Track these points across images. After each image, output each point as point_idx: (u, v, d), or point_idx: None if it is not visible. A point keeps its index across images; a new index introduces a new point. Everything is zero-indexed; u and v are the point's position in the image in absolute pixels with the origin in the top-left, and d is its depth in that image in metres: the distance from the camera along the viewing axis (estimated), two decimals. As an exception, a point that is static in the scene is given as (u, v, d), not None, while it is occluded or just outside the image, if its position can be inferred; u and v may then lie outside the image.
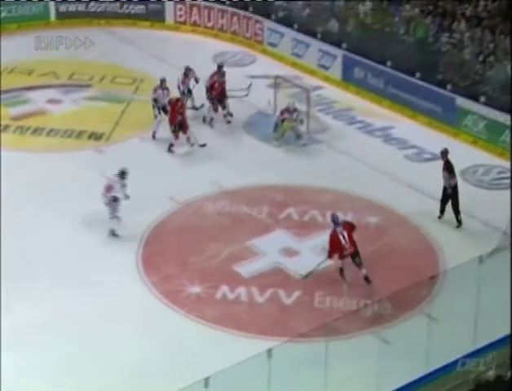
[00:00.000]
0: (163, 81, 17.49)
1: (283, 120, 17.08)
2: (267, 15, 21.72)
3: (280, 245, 13.93)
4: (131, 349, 11.50)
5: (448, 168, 14.51)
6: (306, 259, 13.56)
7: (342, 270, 12.92)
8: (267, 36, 21.75)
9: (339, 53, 19.94)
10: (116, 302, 12.45)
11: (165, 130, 17.54)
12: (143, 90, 19.61)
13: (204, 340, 11.81)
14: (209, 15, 23.00)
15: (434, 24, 18.67)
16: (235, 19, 22.49)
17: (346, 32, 20.25)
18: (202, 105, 18.37)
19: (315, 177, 16.02)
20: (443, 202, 14.59)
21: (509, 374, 9.87)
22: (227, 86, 18.03)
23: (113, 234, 14.04)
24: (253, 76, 19.52)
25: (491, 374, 10.08)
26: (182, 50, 21.78)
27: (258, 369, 9.43)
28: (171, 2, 23.30)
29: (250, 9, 22.07)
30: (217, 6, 22.78)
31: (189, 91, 18.31)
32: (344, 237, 12.80)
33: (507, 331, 10.91)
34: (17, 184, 15.43)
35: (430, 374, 10.61)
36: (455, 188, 14.49)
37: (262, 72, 19.58)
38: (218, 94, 17.84)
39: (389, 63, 18.85)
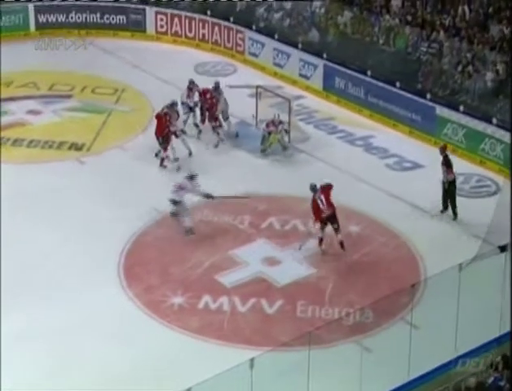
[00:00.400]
0: (174, 104, 16.89)
1: (269, 133, 17.15)
2: (248, 26, 21.80)
3: (262, 254, 13.95)
4: (114, 360, 11.45)
5: (446, 163, 14.86)
6: (288, 268, 13.61)
7: (321, 240, 13.75)
8: (248, 46, 21.83)
9: (320, 63, 20.05)
10: (98, 313, 12.39)
11: (148, 140, 17.58)
12: (124, 101, 19.60)
13: (186, 350, 11.79)
14: (190, 26, 23.04)
15: (414, 34, 18.84)
16: (216, 29, 22.54)
17: (327, 42, 20.37)
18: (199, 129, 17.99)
19: (297, 186, 16.04)
20: (443, 197, 14.94)
21: (489, 380, 9.94)
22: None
23: (191, 232, 14.25)
24: (234, 87, 19.58)
25: (472, 381, 10.13)
26: (163, 61, 21.81)
27: (240, 379, 9.43)
28: (152, 13, 23.32)
29: (231, 19, 22.15)
30: (198, 16, 22.83)
31: (191, 108, 17.92)
32: (322, 201, 13.60)
33: (488, 338, 11.01)
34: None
35: (412, 381, 10.66)
36: (452, 183, 14.82)
37: (243, 82, 19.64)
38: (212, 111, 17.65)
39: (369, 72, 18.98)
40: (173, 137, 16.69)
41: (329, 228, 14.65)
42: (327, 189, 13.76)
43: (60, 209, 15.10)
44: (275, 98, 18.56)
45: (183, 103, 17.86)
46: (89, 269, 13.41)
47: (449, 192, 14.94)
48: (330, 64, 19.83)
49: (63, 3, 23.44)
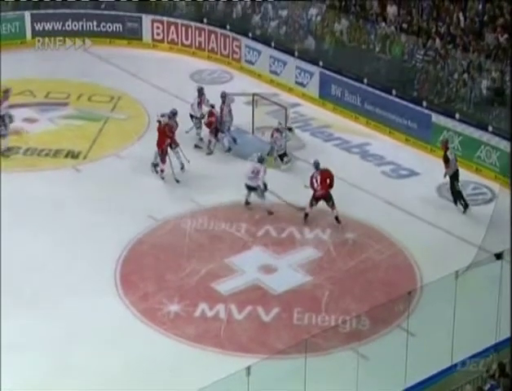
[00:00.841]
0: (174, 113, 16.80)
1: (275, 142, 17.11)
2: (245, 33, 21.84)
3: (259, 262, 13.95)
4: (110, 368, 11.41)
5: (444, 158, 15.32)
6: (284, 276, 13.60)
7: (306, 215, 14.76)
8: (245, 54, 21.87)
9: (316, 70, 20.10)
10: (95, 321, 12.37)
11: (144, 148, 17.60)
12: (120, 108, 19.61)
13: (183, 357, 11.77)
14: (186, 34, 23.08)
15: (410, 42, 18.89)
16: (212, 37, 22.57)
17: (323, 50, 20.42)
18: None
19: (293, 194, 16.07)
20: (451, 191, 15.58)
21: (486, 388, 9.94)
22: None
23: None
24: (230, 94, 19.58)
25: (468, 388, 10.14)
26: (159, 69, 21.83)
27: (237, 386, 9.41)
28: (148, 21, 23.37)
29: (228, 27, 22.19)
30: (194, 24, 22.87)
31: (197, 118, 17.75)
32: (317, 180, 14.73)
33: (484, 345, 11.01)
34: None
35: (409, 388, 10.65)
36: (452, 177, 15.32)
37: (239, 89, 19.65)
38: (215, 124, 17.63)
39: (365, 80, 19.03)
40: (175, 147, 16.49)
41: (327, 234, 14.70)
42: (325, 172, 14.84)
43: (56, 217, 15.09)
44: (271, 105, 18.60)
45: (192, 117, 17.73)
46: (85, 277, 13.39)
47: (450, 186, 15.35)
48: (326, 72, 19.87)
49: (59, 11, 23.44)
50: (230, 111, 17.87)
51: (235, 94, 18.53)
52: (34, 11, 23.35)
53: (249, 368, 9.33)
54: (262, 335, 12.28)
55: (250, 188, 15.34)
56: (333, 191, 15.98)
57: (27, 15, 23.25)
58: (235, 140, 17.88)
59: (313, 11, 20.92)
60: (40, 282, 13.26)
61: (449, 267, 11.61)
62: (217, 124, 17.62)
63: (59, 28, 23.41)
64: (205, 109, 17.84)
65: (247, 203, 15.51)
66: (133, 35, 23.53)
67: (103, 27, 23.55)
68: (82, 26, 23.46)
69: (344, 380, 10.63)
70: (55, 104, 19.89)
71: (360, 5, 20.43)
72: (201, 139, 17.95)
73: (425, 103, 17.90)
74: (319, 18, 20.82)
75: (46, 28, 23.37)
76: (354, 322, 11.88)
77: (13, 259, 13.73)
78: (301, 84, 20.51)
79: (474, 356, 10.87)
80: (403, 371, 10.51)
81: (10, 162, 17.16)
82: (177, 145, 16.65)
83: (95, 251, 14.02)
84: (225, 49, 22.32)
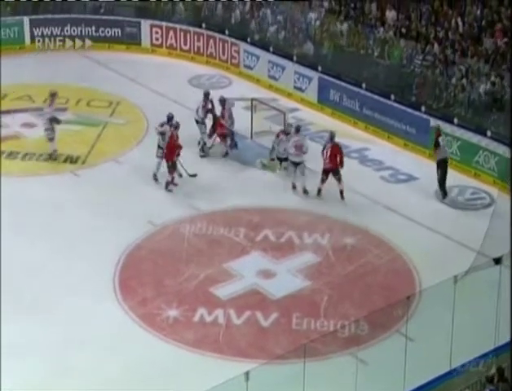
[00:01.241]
0: (171, 118, 16.55)
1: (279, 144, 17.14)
2: (243, 38, 21.87)
3: (257, 267, 13.94)
4: (108, 373, 11.39)
5: (435, 143, 15.97)
6: (283, 281, 13.59)
7: (319, 191, 15.83)
8: (243, 58, 21.89)
9: (315, 75, 20.11)
10: (93, 326, 12.36)
11: (142, 153, 17.60)
12: (119, 113, 19.61)
13: (181, 362, 11.75)
14: (185, 38, 23.10)
15: (408, 47, 18.92)
16: (211, 42, 22.60)
17: (322, 55, 20.45)
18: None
19: (292, 199, 16.08)
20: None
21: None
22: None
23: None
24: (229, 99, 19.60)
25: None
26: (158, 73, 21.85)
27: (235, 392, 9.41)
28: (147, 26, 23.39)
29: (226, 32, 22.22)
30: (193, 29, 22.90)
31: (201, 122, 17.69)
32: (327, 152, 15.68)
33: (483, 350, 11.00)
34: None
35: (408, 394, 10.65)
36: (439, 164, 15.88)
37: (238, 94, 19.67)
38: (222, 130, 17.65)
39: (364, 85, 19.05)
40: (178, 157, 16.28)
41: (326, 239, 14.69)
42: (336, 147, 15.75)
43: (55, 222, 15.08)
44: (270, 110, 18.61)
45: (197, 122, 17.63)
46: (83, 281, 13.38)
47: (437, 171, 15.90)
48: (325, 77, 19.89)
49: (58, 16, 23.47)
50: (230, 115, 17.87)
51: (233, 99, 18.55)
52: (33, 16, 23.37)
53: (247, 373, 9.31)
54: (260, 340, 12.27)
55: (296, 164, 16.06)
56: (331, 196, 16.04)
57: (26, 20, 23.27)
58: (236, 145, 17.86)
59: (312, 16, 20.96)
60: (39, 286, 13.24)
61: (448, 272, 11.61)
62: (227, 131, 17.56)
63: (58, 32, 23.44)
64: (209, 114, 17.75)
65: (294, 186, 16.17)
66: (132, 40, 23.56)
67: (102, 32, 23.57)
68: (81, 31, 23.49)
69: (343, 384, 10.62)
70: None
71: (359, 9, 20.46)
72: (205, 144, 17.79)
73: (423, 108, 17.92)
74: (318, 23, 20.86)
75: (45, 33, 23.40)
76: (353, 327, 11.87)
77: (12, 263, 13.70)
78: (299, 89, 20.53)
79: (472, 361, 10.86)
80: (401, 376, 10.49)
81: (10, 166, 17.17)
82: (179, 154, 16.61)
83: (94, 256, 14.01)
84: (224, 54, 22.35)
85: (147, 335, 12.35)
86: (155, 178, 16.49)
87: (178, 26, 23.14)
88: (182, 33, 23.10)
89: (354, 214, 15.39)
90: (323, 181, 15.83)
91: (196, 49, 22.90)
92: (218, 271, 13.75)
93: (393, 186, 16.87)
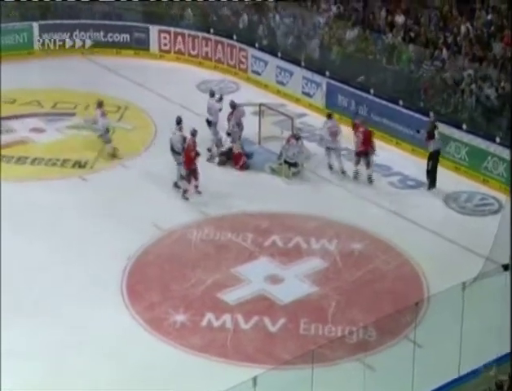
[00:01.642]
0: (179, 121, 16.50)
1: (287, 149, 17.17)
2: (251, 43, 21.89)
3: (265, 272, 13.91)
4: (114, 376, 11.39)
5: (430, 134, 16.47)
6: (290, 286, 13.56)
7: (356, 174, 16.84)
8: (251, 64, 21.90)
9: (323, 81, 20.10)
10: (100, 330, 12.35)
11: (150, 158, 17.61)
12: (127, 118, 19.64)
13: (189, 367, 11.73)
14: (193, 44, 23.14)
15: (417, 53, 18.88)
16: (219, 47, 22.63)
17: (330, 60, 20.43)
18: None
19: (299, 204, 16.05)
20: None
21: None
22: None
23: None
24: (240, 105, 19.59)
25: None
26: (166, 79, 21.88)
27: (243, 397, 9.38)
28: (155, 31, 23.43)
29: (234, 37, 22.24)
30: (201, 34, 22.93)
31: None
32: (359, 137, 16.67)
33: (491, 357, 10.93)
34: (1, 212, 15.33)
35: (416, 400, 10.59)
36: (431, 154, 16.39)
37: (246, 99, 19.66)
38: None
39: (372, 90, 19.01)
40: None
41: (333, 245, 14.65)
42: (368, 132, 16.72)
43: (63, 226, 15.09)
44: (277, 116, 18.60)
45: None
46: (91, 286, 13.38)
47: (428, 162, 16.40)
48: (333, 82, 19.87)
49: (67, 22, 23.55)
50: (238, 123, 17.81)
51: (241, 105, 18.53)
52: (42, 22, 23.46)
53: (255, 379, 9.29)
54: (268, 345, 12.24)
55: (331, 149, 17.09)
56: (339, 201, 16.02)
57: (35, 25, 23.36)
58: (247, 155, 17.63)
59: (320, 21, 20.95)
60: (45, 291, 13.25)
61: (456, 278, 11.58)
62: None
63: (67, 38, 23.54)
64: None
65: (331, 167, 17.17)
66: (140, 45, 23.60)
67: (111, 37, 23.64)
68: (90, 36, 23.57)
69: (351, 390, 10.57)
70: (62, 114, 19.94)
71: (367, 15, 20.45)
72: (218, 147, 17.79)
73: (431, 114, 17.87)
74: (326, 28, 20.85)
75: (54, 38, 23.48)
76: (361, 332, 11.83)
77: (17, 268, 13.74)
78: (307, 94, 20.52)
79: (481, 367, 10.79)
80: (410, 383, 10.45)
81: (19, 171, 17.21)
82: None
83: (101, 260, 14.01)
84: (232, 59, 22.37)
85: (154, 339, 12.34)
86: (176, 186, 16.32)
87: (186, 31, 23.18)
88: (190, 39, 23.14)
89: (361, 220, 15.34)
90: (357, 163, 16.76)
91: (204, 54, 22.93)
92: (225, 276, 13.73)
93: (401, 192, 16.82)
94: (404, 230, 15.18)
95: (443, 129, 17.42)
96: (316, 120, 19.74)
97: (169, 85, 21.29)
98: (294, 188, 16.78)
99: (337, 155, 17.14)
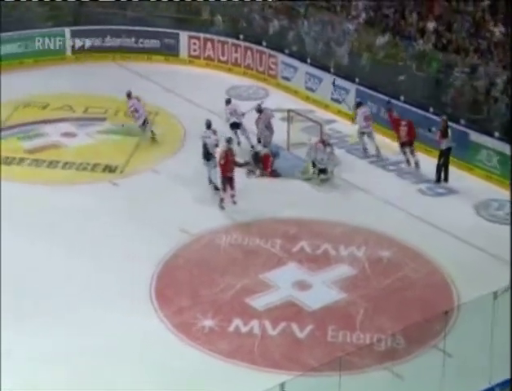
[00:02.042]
0: (209, 124, 16.61)
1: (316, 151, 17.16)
2: (281, 50, 21.91)
3: (293, 278, 13.90)
4: (142, 382, 11.44)
5: (444, 132, 16.85)
6: (318, 292, 13.53)
7: (408, 161, 17.56)
8: (281, 70, 21.92)
9: (352, 87, 20.05)
10: (129, 334, 12.41)
11: (179, 163, 17.69)
12: (156, 124, 19.77)
13: (216, 373, 11.74)
14: (222, 50, 23.21)
15: (447, 59, 18.76)
16: (248, 53, 22.68)
17: (359, 67, 20.38)
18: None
19: (328, 210, 16.01)
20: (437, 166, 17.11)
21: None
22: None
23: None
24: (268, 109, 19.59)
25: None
26: (196, 84, 21.96)
27: (270, 403, 9.36)
28: (185, 37, 23.56)
29: (264, 43, 22.28)
30: (231, 40, 23.01)
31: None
32: (404, 128, 17.38)
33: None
34: (33, 217, 15.49)
35: (445, 410, 10.50)
36: (442, 151, 16.90)
37: (275, 105, 19.67)
38: None
39: (402, 97, 18.92)
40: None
41: (362, 252, 14.58)
42: (411, 123, 17.38)
43: (93, 231, 15.21)
44: (306, 122, 18.59)
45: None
46: (120, 290, 13.46)
47: (439, 157, 16.93)
48: (362, 89, 19.82)
49: (98, 27, 23.79)
50: (267, 126, 17.86)
51: (268, 109, 18.55)
52: (74, 28, 23.71)
53: (283, 385, 9.28)
54: (295, 351, 12.21)
55: (365, 133, 18.09)
56: (368, 208, 15.96)
57: (67, 31, 23.61)
58: (274, 155, 17.75)
59: (350, 27, 20.92)
60: (74, 295, 13.35)
61: (486, 286, 11.46)
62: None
63: (99, 43, 23.78)
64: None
65: (365, 150, 18.24)
66: (170, 51, 23.73)
67: (141, 43, 23.82)
68: (121, 42, 23.79)
69: (379, 399, 10.52)
70: (93, 119, 20.12)
71: (398, 21, 20.37)
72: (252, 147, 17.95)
73: (462, 121, 17.73)
74: (355, 35, 20.80)
75: (86, 44, 23.73)
76: (389, 340, 11.76)
77: (46, 272, 13.86)
78: (337, 100, 20.48)
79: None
80: (438, 392, 10.37)
81: (50, 175, 17.39)
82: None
83: (130, 264, 14.09)
84: (261, 65, 22.40)
85: (181, 344, 12.37)
86: (216, 188, 16.32)
87: (215, 37, 23.26)
88: (219, 45, 23.22)
89: (390, 227, 15.26)
90: (405, 153, 17.50)
91: (233, 60, 23.00)
92: (254, 282, 13.73)
93: (431, 200, 16.71)
94: (433, 237, 15.07)
95: (475, 137, 17.31)
96: (345, 126, 19.73)
97: (199, 91, 21.38)
98: (323, 195, 16.75)
99: (371, 139, 18.12)
